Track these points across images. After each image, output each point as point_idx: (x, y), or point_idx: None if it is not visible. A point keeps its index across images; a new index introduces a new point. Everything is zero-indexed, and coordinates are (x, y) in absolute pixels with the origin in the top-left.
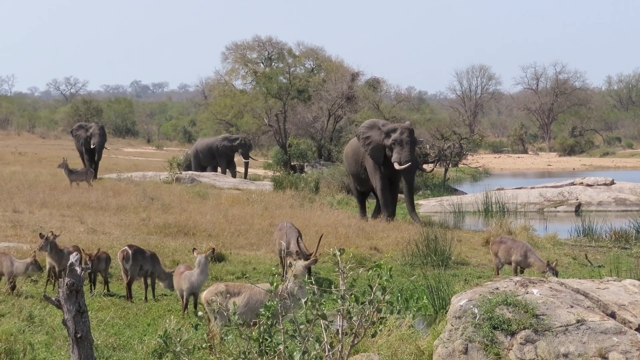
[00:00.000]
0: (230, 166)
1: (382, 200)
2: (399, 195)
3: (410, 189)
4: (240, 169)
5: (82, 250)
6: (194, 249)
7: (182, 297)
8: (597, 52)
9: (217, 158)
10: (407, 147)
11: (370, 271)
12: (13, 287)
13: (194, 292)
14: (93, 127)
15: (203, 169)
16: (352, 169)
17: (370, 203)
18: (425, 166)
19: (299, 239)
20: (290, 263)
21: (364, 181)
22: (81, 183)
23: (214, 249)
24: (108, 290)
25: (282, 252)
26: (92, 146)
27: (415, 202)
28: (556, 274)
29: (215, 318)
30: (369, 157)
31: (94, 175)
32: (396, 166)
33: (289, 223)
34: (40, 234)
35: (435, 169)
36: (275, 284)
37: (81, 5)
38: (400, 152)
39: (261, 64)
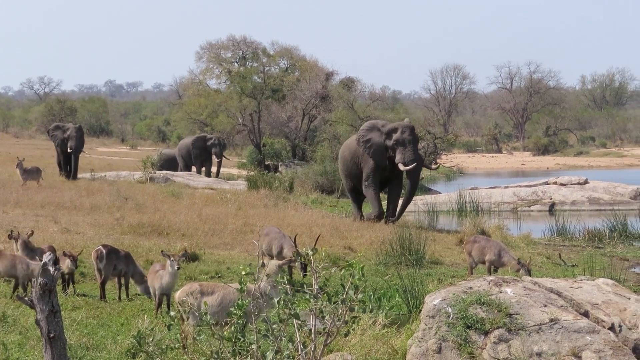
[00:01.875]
0: (205, 165)
1: (371, 202)
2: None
3: (414, 189)
4: (213, 168)
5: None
6: (162, 251)
7: (155, 297)
8: (571, 52)
9: (192, 158)
10: (410, 147)
11: (343, 270)
12: (24, 289)
13: (166, 293)
14: (71, 129)
15: (188, 168)
16: (352, 170)
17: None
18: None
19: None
20: (263, 262)
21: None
22: (32, 182)
23: (185, 250)
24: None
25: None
26: (69, 150)
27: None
28: (529, 273)
29: (188, 318)
30: (368, 159)
31: (74, 176)
32: (401, 167)
33: (275, 228)
34: (9, 234)
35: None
36: (243, 284)
37: (55, 5)
38: (404, 152)
39: (235, 64)
